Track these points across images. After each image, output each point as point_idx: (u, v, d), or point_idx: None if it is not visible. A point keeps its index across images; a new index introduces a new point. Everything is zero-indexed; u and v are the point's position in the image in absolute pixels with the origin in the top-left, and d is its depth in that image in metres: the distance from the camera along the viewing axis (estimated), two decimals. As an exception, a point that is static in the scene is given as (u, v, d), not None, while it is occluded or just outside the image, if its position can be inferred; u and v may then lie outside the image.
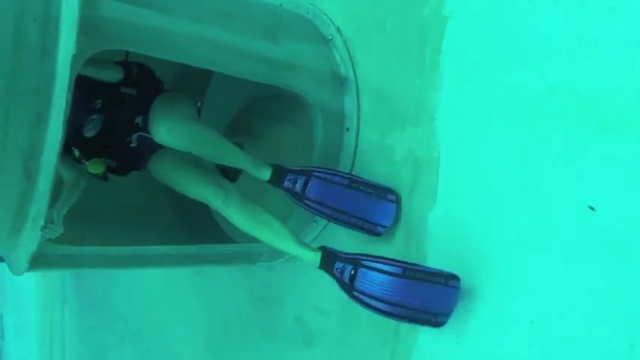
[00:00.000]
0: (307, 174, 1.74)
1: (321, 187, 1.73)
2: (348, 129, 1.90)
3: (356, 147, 1.89)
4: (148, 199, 2.21)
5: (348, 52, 1.90)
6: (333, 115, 1.87)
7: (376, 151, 1.85)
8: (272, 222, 1.75)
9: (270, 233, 1.74)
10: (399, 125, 1.79)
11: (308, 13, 1.99)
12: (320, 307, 2.01)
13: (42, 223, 1.46)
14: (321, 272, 1.68)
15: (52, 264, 1.67)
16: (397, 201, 1.74)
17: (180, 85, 2.20)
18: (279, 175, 1.74)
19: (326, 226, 1.95)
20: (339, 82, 1.89)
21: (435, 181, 1.70)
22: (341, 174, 1.77)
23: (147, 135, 1.75)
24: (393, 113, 1.81)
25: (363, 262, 1.59)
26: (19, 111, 1.37)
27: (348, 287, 1.59)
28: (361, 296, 1.57)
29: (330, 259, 1.65)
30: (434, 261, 1.67)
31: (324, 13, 1.97)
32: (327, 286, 1.78)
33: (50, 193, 1.44)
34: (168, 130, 1.66)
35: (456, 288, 1.55)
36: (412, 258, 1.69)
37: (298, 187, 1.73)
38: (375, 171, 1.85)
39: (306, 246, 1.74)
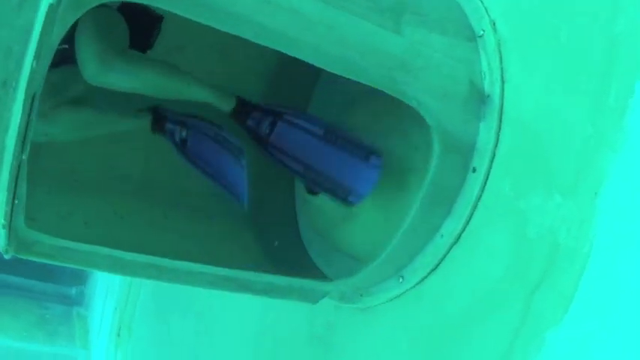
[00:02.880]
0: (276, 115, 1.49)
1: (289, 133, 1.49)
2: (474, 170, 1.33)
3: (479, 198, 1.32)
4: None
5: (501, 60, 1.30)
6: (458, 145, 1.31)
7: (503, 212, 1.27)
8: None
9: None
10: (544, 187, 1.19)
11: (457, -7, 1.41)
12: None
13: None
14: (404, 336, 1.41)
15: (45, 254, 1.31)
16: (381, 166, 1.42)
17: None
18: (243, 109, 1.50)
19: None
20: (477, 100, 1.31)
21: (573, 288, 1.12)
22: (318, 122, 1.50)
23: None
24: (540, 167, 1.22)
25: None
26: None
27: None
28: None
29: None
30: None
31: (479, -2, 1.39)
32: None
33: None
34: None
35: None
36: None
37: (263, 128, 1.49)
38: (493, 239, 1.28)
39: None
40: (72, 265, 1.33)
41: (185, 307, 2.57)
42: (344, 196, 1.46)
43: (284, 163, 1.51)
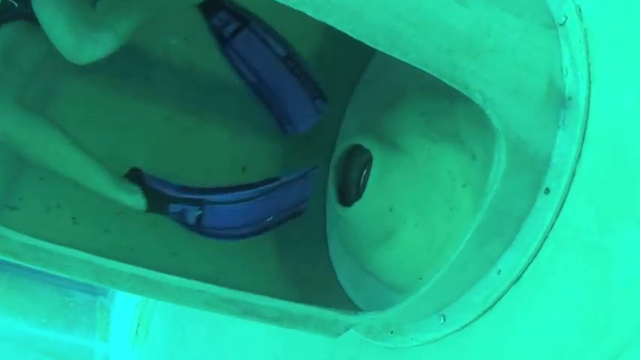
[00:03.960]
0: (244, 21, 1.40)
1: (251, 42, 1.42)
2: (548, 191, 1.03)
3: (551, 227, 1.03)
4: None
5: (587, 54, 1.00)
6: (529, 157, 1.02)
7: (582, 248, 0.97)
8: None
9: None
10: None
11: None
12: None
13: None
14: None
15: (10, 252, 1.08)
16: (323, 112, 1.45)
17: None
18: (214, 5, 1.38)
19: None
20: (556, 101, 1.01)
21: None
22: (283, 44, 1.43)
23: None
24: (636, 195, 0.93)
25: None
26: None
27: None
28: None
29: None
30: None
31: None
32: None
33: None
34: None
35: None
36: None
37: (228, 30, 1.40)
38: (566, 282, 0.99)
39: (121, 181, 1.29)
40: (40, 268, 1.09)
41: (202, 313, 2.34)
42: (283, 122, 1.47)
43: (238, 69, 1.44)
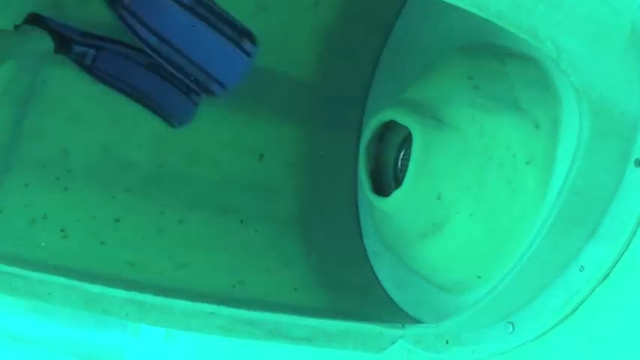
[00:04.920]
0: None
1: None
2: (638, 162, 0.82)
3: (647, 209, 0.82)
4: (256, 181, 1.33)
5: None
6: (615, 121, 0.80)
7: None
8: None
9: None
10: None
11: None
12: None
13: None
14: None
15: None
16: (254, 55, 1.24)
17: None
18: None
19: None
20: (644, 49, 0.80)
21: None
22: None
23: None
24: None
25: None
26: None
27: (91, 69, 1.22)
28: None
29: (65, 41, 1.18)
30: None
31: None
32: None
33: None
34: None
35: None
36: None
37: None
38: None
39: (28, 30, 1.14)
40: (17, 298, 0.90)
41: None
42: (206, 85, 1.26)
43: (137, 34, 1.20)
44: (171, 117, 1.30)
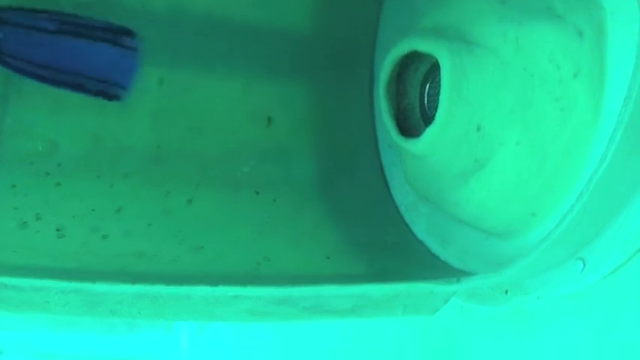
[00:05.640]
0: None
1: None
2: None
3: None
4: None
5: None
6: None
7: None
8: None
9: None
10: None
11: None
12: None
13: None
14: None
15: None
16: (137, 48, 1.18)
17: None
18: None
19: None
20: None
21: None
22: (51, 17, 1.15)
23: None
24: None
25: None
26: None
27: None
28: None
29: None
30: None
31: None
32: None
33: None
34: None
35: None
36: None
37: None
38: None
39: None
40: (9, 312, 0.78)
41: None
42: (113, 93, 1.18)
43: (33, 73, 1.15)
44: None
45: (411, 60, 0.97)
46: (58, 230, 0.96)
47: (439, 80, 0.87)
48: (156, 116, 1.18)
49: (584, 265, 0.82)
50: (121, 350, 3.80)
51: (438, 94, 0.87)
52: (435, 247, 1.11)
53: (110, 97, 1.19)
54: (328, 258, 1.05)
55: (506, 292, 0.93)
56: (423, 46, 0.87)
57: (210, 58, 1.22)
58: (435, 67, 0.88)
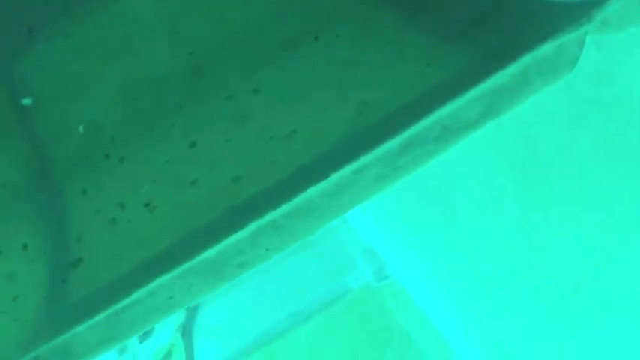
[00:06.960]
0: None
1: None
2: None
3: None
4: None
5: None
6: None
7: None
8: None
9: None
10: None
11: None
12: None
13: None
14: None
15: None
16: None
17: None
18: None
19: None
20: None
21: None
22: None
23: None
24: None
25: None
26: None
27: None
28: None
29: None
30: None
31: None
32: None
33: None
34: None
35: None
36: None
37: None
38: None
39: None
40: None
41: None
42: None
43: None
44: None
45: None
46: (147, 205, 0.85)
47: None
48: (174, 31, 1.02)
49: None
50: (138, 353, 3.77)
51: None
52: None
53: None
54: (429, 65, 0.87)
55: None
56: None
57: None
58: None
